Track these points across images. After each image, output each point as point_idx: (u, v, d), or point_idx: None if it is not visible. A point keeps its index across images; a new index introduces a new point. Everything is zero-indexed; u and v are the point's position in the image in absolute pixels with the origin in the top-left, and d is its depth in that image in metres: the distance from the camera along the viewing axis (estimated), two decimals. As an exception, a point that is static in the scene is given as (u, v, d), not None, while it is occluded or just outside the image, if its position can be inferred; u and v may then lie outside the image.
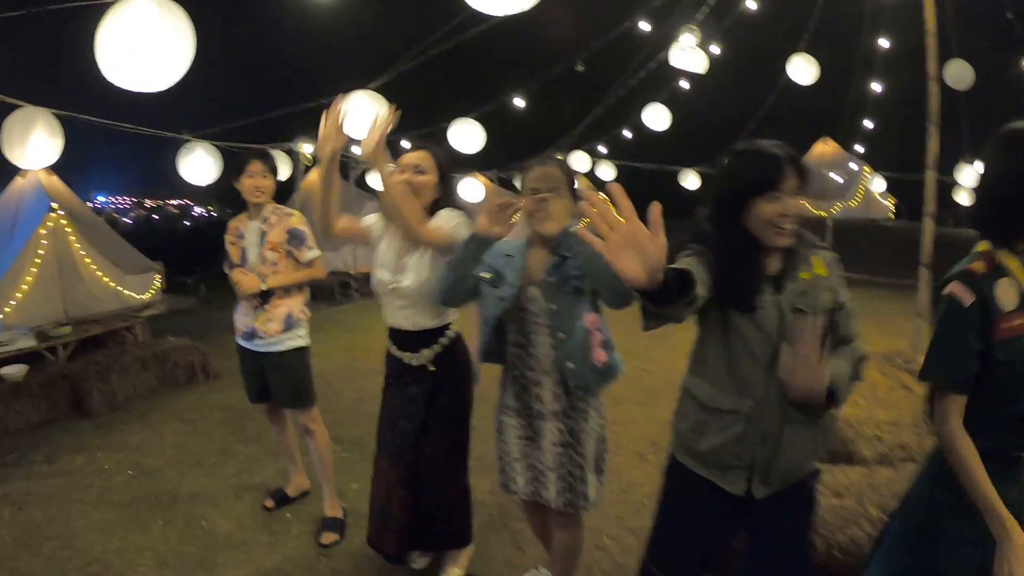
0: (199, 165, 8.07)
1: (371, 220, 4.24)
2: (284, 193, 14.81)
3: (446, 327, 4.10)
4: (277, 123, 10.92)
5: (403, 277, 3.98)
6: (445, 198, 4.08)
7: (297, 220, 5.01)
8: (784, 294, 2.66)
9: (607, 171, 17.07)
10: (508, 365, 3.58)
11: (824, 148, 31.01)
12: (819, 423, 2.76)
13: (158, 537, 5.00)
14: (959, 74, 12.08)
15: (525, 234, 3.54)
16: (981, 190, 2.49)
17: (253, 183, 4.93)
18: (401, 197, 3.76)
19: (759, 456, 2.74)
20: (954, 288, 2.38)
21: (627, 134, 16.23)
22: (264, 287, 4.87)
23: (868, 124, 18.80)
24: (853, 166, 28.51)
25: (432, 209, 3.99)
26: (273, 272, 4.92)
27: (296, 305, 5.05)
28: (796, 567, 2.89)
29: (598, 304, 3.43)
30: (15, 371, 7.83)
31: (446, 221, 3.89)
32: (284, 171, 11.03)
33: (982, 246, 2.44)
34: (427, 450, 4.06)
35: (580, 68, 10.83)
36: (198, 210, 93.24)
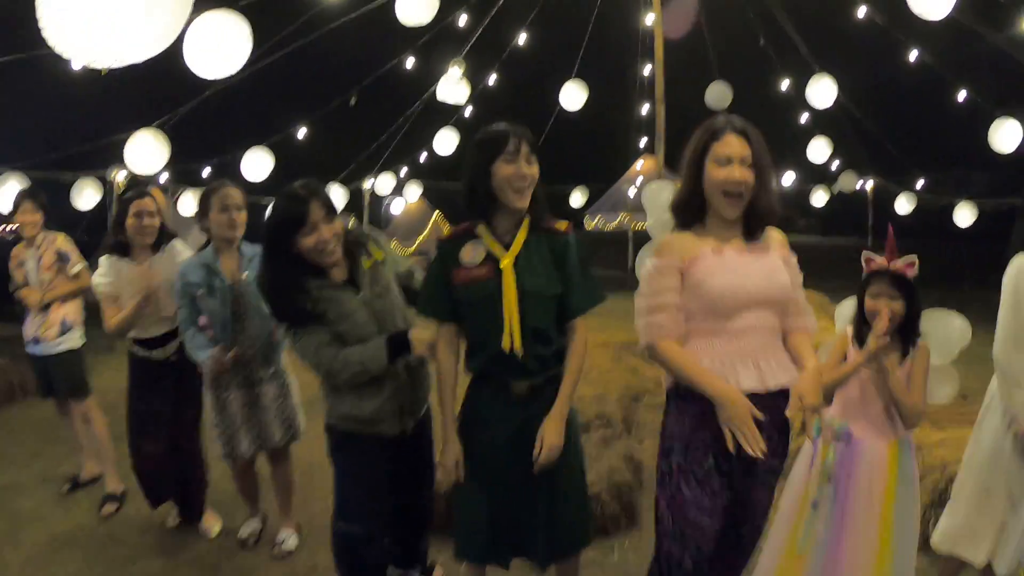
0: (10, 195, 8.64)
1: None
2: (99, 219, 15.38)
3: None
4: (88, 152, 11.49)
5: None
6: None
7: (61, 241, 5.99)
8: (363, 292, 3.69)
9: (414, 190, 18.44)
10: (217, 336, 4.67)
11: (647, 164, 32.76)
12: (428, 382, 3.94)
13: (-29, 521, 5.80)
14: (719, 94, 13.33)
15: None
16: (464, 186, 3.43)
17: (24, 219, 5.92)
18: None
19: (406, 400, 3.79)
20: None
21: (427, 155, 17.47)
22: (43, 302, 5.87)
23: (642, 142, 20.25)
24: (670, 181, 30.16)
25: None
26: (50, 288, 5.89)
27: (71, 311, 6.05)
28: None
29: None
30: None
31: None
32: (96, 197, 11.53)
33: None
34: (180, 421, 5.28)
35: (353, 102, 11.83)
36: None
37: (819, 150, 14.86)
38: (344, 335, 3.57)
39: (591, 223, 31.20)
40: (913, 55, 11.35)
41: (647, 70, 12.29)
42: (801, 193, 21.27)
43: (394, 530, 4.03)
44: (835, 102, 11.55)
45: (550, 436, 3.30)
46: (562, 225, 3.46)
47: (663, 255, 3.17)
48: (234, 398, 4.72)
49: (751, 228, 3.21)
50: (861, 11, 10.93)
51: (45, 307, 5.93)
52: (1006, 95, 11.51)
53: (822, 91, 11.19)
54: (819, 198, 20.30)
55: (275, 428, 4.82)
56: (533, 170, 3.27)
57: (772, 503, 3.36)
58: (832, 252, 21.78)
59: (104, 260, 5.20)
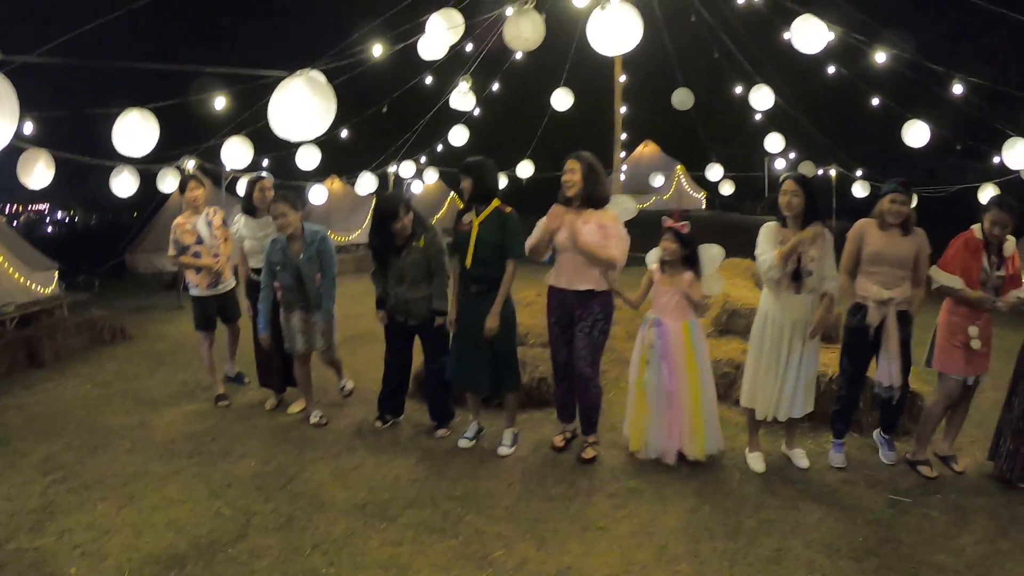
0: (127, 183, 10.97)
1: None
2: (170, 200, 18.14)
3: None
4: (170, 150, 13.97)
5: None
6: None
7: (221, 212, 8.45)
8: (400, 258, 6.79)
9: (432, 174, 21.68)
10: (285, 292, 7.39)
11: (644, 150, 35.38)
12: (426, 297, 6.86)
13: (122, 410, 8.39)
14: (682, 99, 15.56)
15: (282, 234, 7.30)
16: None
17: (195, 194, 8.27)
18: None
19: (402, 308, 6.90)
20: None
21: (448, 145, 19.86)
22: (224, 262, 8.42)
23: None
24: (667, 167, 33.09)
25: None
26: (223, 245, 8.38)
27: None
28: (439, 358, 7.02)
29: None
30: (-23, 337, 10.54)
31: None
32: (175, 183, 14.03)
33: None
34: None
35: (384, 110, 14.69)
36: (60, 214, 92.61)
37: (774, 142, 17.47)
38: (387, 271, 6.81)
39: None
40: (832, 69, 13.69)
41: (623, 78, 14.45)
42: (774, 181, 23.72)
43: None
44: (779, 105, 13.91)
45: (489, 323, 6.45)
46: (507, 209, 6.49)
47: (547, 217, 6.35)
48: (295, 316, 7.43)
49: (591, 205, 6.28)
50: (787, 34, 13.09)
51: (217, 257, 8.29)
52: (913, 101, 13.50)
53: (762, 97, 13.50)
54: (788, 185, 22.78)
55: (318, 338, 7.52)
56: (465, 184, 6.54)
57: (590, 347, 6.41)
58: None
59: (241, 218, 8.01)
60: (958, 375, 6.27)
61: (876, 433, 6.78)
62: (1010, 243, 6.16)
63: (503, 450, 6.75)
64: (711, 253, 6.71)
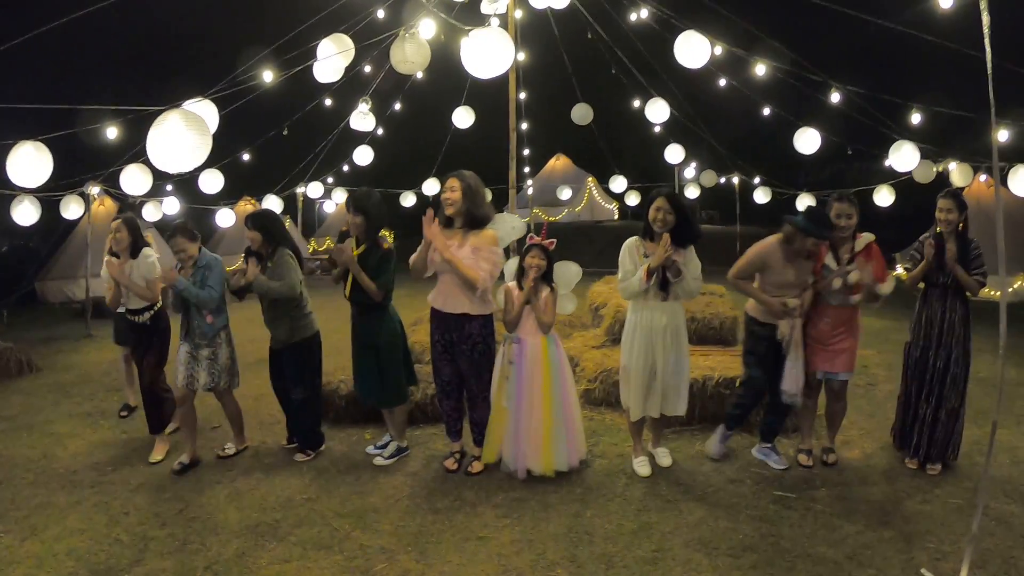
0: (28, 212, 11.09)
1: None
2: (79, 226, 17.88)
3: (154, 304, 7.76)
4: (72, 175, 13.93)
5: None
6: None
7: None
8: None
9: (340, 194, 21.87)
10: (187, 320, 7.29)
11: (556, 163, 35.91)
12: (286, 322, 7.06)
13: (26, 443, 8.40)
14: (582, 114, 15.84)
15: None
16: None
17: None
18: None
19: (269, 329, 7.12)
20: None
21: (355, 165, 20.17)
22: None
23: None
24: (578, 179, 33.65)
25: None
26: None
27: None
28: (307, 386, 7.21)
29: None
30: None
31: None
32: (79, 210, 14.10)
33: None
34: (145, 363, 7.71)
35: (285, 132, 14.81)
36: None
37: (675, 153, 18.04)
38: None
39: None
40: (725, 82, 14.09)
41: (523, 95, 14.66)
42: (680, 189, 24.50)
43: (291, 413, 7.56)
44: (677, 117, 14.32)
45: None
46: (384, 244, 6.79)
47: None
48: (182, 349, 7.22)
49: (472, 226, 6.43)
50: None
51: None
52: (805, 109, 13.99)
53: (657, 110, 13.79)
54: (691, 192, 23.62)
55: (201, 375, 7.24)
56: (357, 221, 6.67)
57: (475, 367, 6.62)
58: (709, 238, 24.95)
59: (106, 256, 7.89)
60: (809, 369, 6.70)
61: (755, 449, 7.07)
62: (862, 240, 6.57)
63: (378, 460, 7.13)
64: (569, 271, 7.00)
